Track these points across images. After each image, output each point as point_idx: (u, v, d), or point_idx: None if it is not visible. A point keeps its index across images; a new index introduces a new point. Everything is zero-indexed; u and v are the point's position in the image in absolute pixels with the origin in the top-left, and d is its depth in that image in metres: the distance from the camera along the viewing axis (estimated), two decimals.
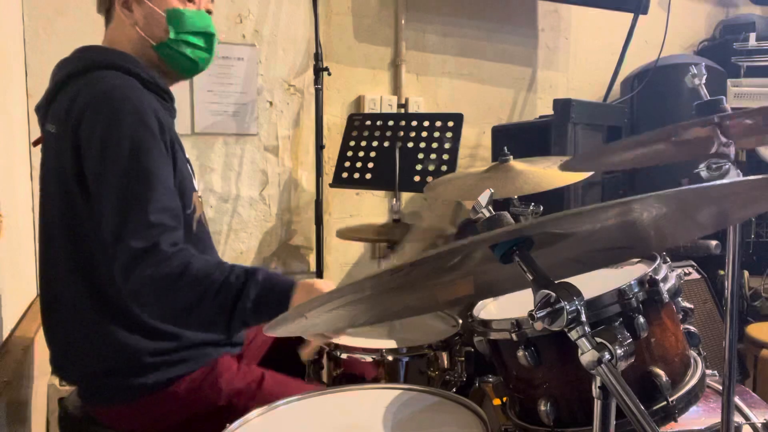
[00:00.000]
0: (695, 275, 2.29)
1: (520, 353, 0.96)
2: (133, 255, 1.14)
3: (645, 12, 2.86)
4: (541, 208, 1.68)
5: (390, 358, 1.43)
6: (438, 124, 2.10)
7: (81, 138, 1.22)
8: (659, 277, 0.97)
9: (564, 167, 1.32)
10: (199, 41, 1.41)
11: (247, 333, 1.57)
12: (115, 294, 1.26)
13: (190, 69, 1.43)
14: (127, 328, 1.27)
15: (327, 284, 1.21)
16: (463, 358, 1.51)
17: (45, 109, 1.34)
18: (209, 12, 1.45)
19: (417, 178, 2.07)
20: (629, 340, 0.68)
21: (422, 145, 2.11)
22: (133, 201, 1.17)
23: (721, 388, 1.10)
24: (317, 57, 2.34)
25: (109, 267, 1.23)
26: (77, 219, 1.26)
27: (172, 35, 1.37)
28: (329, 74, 2.37)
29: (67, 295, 1.29)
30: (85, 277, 1.27)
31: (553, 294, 0.64)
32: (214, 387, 1.31)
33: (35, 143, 1.42)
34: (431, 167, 2.06)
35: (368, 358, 1.44)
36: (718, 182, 0.66)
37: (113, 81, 1.26)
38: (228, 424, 1.06)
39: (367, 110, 2.64)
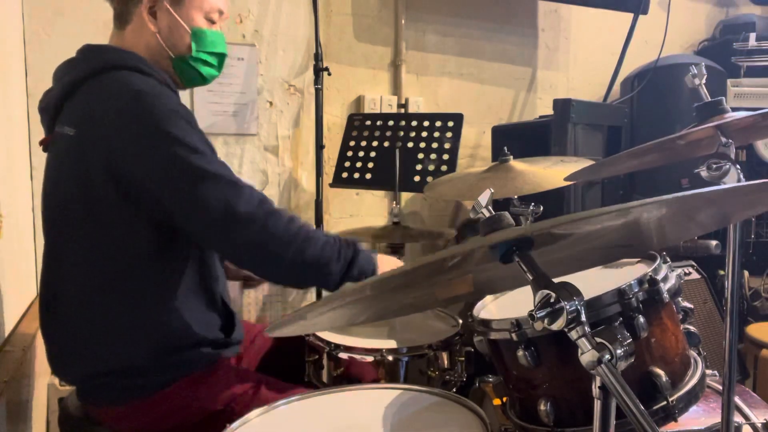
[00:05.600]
0: (695, 275, 2.29)
1: (520, 353, 0.96)
2: (248, 217, 1.24)
3: (645, 12, 2.86)
4: (541, 208, 1.67)
5: (390, 358, 1.43)
6: (438, 124, 2.10)
7: (119, 146, 1.22)
8: (659, 277, 0.97)
9: (569, 179, 1.33)
10: (214, 60, 1.45)
11: (246, 334, 1.58)
12: (130, 293, 1.26)
13: (196, 83, 1.47)
14: (132, 328, 1.27)
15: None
16: (463, 358, 1.51)
17: (56, 110, 1.33)
18: None
19: (417, 178, 2.07)
20: (629, 340, 0.68)
21: (422, 145, 2.11)
22: (214, 177, 1.24)
23: (721, 388, 1.10)
24: (317, 57, 2.34)
25: (145, 268, 1.26)
26: (102, 222, 1.25)
27: (193, 52, 1.40)
28: (329, 74, 2.37)
29: (71, 295, 1.29)
30: (98, 276, 1.26)
31: (553, 294, 0.64)
32: (212, 390, 1.31)
33: (42, 143, 1.40)
34: (431, 167, 2.06)
35: (368, 358, 1.44)
36: (720, 187, 0.66)
37: (138, 83, 1.26)
38: (228, 424, 1.07)
39: (367, 110, 2.64)
